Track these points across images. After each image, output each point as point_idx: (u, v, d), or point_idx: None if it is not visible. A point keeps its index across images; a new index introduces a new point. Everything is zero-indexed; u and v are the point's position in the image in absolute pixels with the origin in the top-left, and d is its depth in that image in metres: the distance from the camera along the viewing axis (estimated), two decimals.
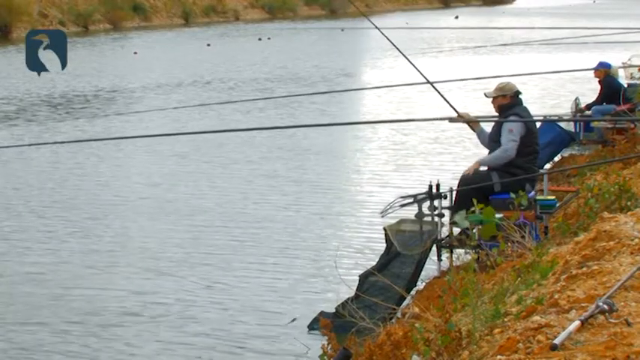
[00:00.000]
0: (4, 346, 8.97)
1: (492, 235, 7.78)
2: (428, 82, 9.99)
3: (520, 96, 9.85)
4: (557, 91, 26.04)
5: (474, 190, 9.08)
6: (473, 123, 9.83)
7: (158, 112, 22.51)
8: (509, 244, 7.66)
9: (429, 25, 59.10)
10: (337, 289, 9.58)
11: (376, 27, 10.12)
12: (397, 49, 10.17)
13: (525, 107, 9.88)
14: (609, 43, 17.68)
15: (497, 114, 9.89)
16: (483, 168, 9.75)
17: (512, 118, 9.54)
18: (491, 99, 9.90)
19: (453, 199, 9.47)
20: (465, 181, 9.51)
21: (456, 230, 9.34)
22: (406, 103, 25.09)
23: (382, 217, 9.41)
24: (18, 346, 8.97)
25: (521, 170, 9.45)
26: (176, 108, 23.00)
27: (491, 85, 10.22)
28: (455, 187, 9.59)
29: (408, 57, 10.04)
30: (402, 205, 9.23)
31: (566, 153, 15.05)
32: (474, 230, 8.41)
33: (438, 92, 10.00)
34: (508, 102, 9.72)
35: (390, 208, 9.28)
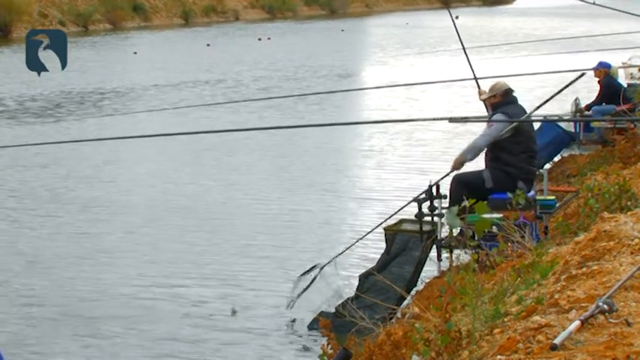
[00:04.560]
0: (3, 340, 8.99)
1: (490, 233, 7.77)
2: (474, 78, 10.10)
3: (513, 94, 9.82)
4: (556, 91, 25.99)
5: (467, 191, 9.09)
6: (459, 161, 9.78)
7: (158, 112, 22.50)
8: (509, 244, 7.66)
9: (428, 24, 59.12)
10: (337, 289, 9.59)
11: (453, 20, 10.36)
12: (461, 42, 10.27)
13: (518, 105, 9.84)
14: (613, 49, 17.74)
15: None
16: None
17: (497, 116, 9.55)
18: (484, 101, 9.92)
19: (447, 200, 9.49)
20: (457, 181, 9.51)
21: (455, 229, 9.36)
22: (408, 103, 25.11)
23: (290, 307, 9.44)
24: (16, 339, 8.98)
25: (513, 168, 9.44)
26: (176, 108, 23.00)
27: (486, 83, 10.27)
28: (449, 188, 9.60)
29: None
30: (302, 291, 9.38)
31: (566, 153, 15.05)
32: (468, 230, 8.42)
33: (479, 87, 10.06)
34: (498, 100, 9.73)
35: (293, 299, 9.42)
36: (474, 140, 9.67)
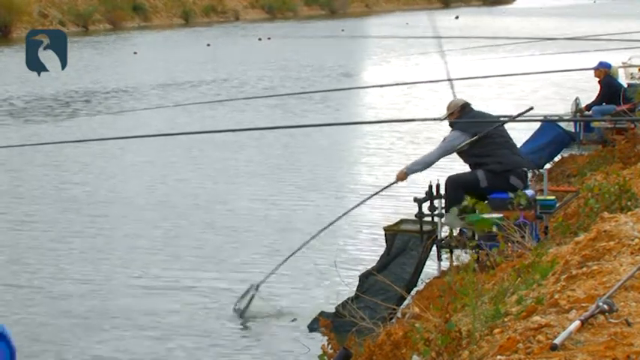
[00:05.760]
0: None
1: (489, 233, 7.77)
2: (449, 79, 10.15)
3: (469, 107, 9.86)
4: (557, 91, 26.04)
5: (463, 191, 9.11)
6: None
7: (158, 113, 22.50)
8: (509, 244, 7.66)
9: (428, 24, 59.00)
10: (337, 289, 9.59)
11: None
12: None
13: (476, 113, 9.85)
14: (614, 49, 17.76)
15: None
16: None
17: (453, 133, 9.63)
18: (447, 121, 9.97)
19: (443, 202, 9.51)
20: (452, 182, 9.52)
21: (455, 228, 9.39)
22: (408, 103, 25.11)
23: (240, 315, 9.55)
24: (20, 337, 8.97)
25: (499, 164, 9.44)
26: (176, 106, 23.00)
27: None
28: (445, 190, 9.60)
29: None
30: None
31: (566, 153, 15.06)
32: (469, 228, 8.44)
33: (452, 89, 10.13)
34: (456, 117, 9.77)
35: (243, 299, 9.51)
36: (429, 153, 9.73)
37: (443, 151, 9.59)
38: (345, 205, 14.24)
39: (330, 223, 10.06)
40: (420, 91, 26.08)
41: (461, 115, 9.73)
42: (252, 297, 9.50)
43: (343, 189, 15.42)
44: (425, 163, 9.63)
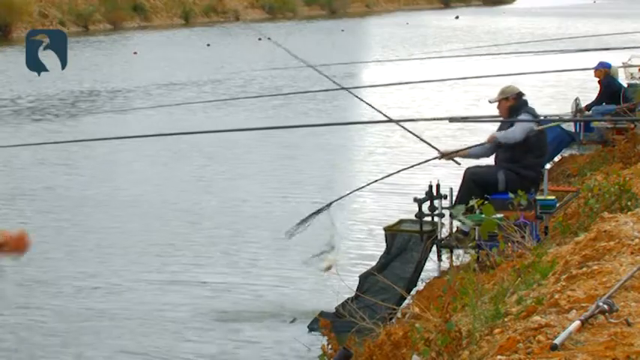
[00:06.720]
0: None
1: (489, 233, 7.78)
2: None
3: (524, 97, 9.90)
4: (558, 90, 26.03)
5: (478, 187, 9.13)
6: (460, 156, 10.00)
7: (157, 113, 22.49)
8: (509, 244, 7.66)
9: (429, 24, 59.10)
10: (337, 289, 9.59)
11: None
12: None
13: (532, 107, 9.96)
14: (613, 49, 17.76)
15: (504, 117, 9.93)
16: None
17: (524, 116, 9.65)
18: (496, 104, 9.94)
19: (455, 195, 9.49)
20: (470, 176, 9.52)
21: (456, 224, 9.40)
22: (413, 102, 25.10)
23: (290, 237, 9.52)
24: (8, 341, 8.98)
25: (532, 171, 9.49)
26: (178, 105, 23.00)
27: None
28: (455, 188, 9.60)
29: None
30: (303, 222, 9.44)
31: (566, 153, 15.06)
32: (474, 229, 8.43)
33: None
34: (513, 103, 9.79)
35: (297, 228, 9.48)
36: (512, 130, 9.63)
37: (526, 132, 9.56)
38: (352, 203, 14.31)
39: (368, 183, 10.50)
40: (423, 90, 26.07)
41: (518, 102, 9.80)
42: (319, 211, 9.46)
43: (350, 188, 15.41)
44: (511, 139, 9.59)
